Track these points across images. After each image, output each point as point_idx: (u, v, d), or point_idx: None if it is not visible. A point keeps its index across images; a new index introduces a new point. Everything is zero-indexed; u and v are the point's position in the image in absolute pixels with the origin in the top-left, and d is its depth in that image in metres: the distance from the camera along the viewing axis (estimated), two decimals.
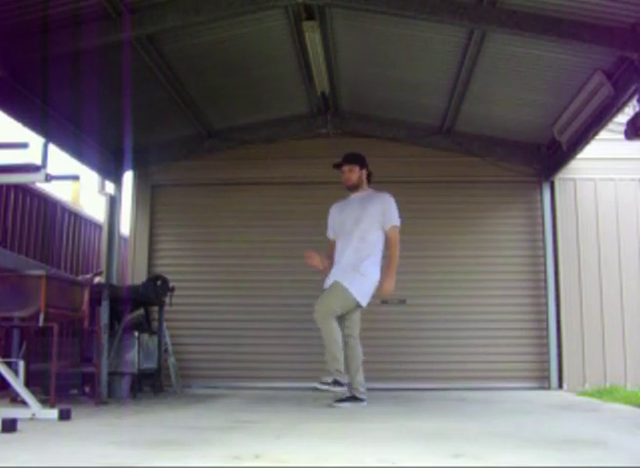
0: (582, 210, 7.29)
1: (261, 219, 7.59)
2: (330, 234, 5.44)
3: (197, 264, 7.64)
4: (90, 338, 5.61)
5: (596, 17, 4.63)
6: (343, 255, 5.13)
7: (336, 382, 4.89)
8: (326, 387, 4.89)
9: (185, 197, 7.79)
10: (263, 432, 3.43)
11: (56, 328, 4.22)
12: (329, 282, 5.10)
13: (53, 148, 5.85)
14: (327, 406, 4.93)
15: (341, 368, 4.92)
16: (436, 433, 3.40)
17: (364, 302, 5.04)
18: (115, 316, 5.80)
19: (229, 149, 7.73)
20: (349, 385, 5.00)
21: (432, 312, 7.25)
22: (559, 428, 3.72)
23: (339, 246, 5.25)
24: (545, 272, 7.27)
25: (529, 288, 7.35)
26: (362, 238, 5.12)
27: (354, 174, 5.31)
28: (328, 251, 5.39)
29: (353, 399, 4.99)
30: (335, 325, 4.96)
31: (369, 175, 5.42)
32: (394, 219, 5.17)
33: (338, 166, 5.37)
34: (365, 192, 5.35)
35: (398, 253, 5.10)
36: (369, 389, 5.33)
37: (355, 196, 5.35)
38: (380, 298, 5.22)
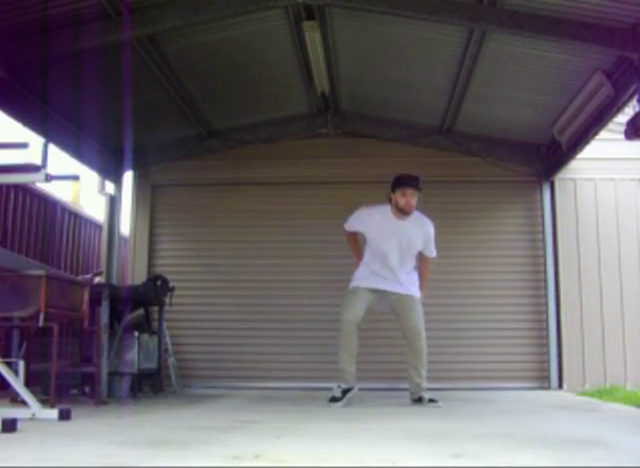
0: (582, 210, 7.29)
1: (261, 219, 7.59)
2: (354, 228, 5.24)
3: (197, 264, 7.64)
4: (90, 338, 5.61)
5: (596, 17, 4.63)
6: (397, 274, 5.14)
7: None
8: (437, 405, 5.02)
9: (185, 197, 7.79)
10: (263, 432, 3.43)
11: (56, 328, 4.22)
12: (380, 284, 5.14)
13: (53, 148, 5.86)
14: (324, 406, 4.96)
15: None
16: (436, 433, 3.40)
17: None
18: (115, 316, 5.80)
19: (229, 149, 7.73)
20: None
21: (432, 312, 7.19)
22: (559, 428, 3.72)
23: (384, 261, 5.11)
24: (545, 272, 7.27)
25: (529, 288, 7.35)
26: (411, 261, 5.24)
27: (415, 199, 5.05)
28: (354, 244, 5.40)
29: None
30: None
31: None
32: (434, 250, 5.31)
33: (413, 185, 5.05)
34: (407, 219, 5.15)
35: None
36: (369, 389, 5.34)
37: (403, 219, 5.11)
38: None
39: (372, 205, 5.25)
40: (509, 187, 7.56)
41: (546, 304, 7.22)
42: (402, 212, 5.06)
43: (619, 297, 7.10)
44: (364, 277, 5.19)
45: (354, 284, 5.22)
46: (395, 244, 5.09)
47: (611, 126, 6.02)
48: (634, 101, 5.07)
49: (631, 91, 5.04)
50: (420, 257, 5.34)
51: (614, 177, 7.32)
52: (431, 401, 5.03)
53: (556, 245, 7.26)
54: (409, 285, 5.21)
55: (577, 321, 7.10)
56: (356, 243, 5.45)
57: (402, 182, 5.05)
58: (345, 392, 5.01)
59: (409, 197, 5.01)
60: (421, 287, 5.33)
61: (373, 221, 5.13)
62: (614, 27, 4.66)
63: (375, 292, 5.18)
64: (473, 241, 7.45)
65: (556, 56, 5.35)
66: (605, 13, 4.58)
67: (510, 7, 4.75)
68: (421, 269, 5.36)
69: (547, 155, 7.35)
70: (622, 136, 5.15)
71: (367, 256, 5.27)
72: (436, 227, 7.04)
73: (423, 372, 5.16)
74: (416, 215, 5.15)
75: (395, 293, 5.15)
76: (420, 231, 5.15)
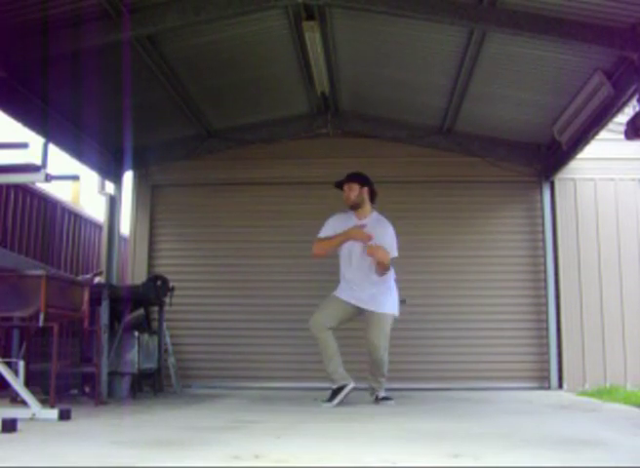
0: (582, 210, 7.29)
1: (261, 219, 7.59)
2: (326, 234, 5.30)
3: (197, 264, 7.64)
4: (90, 338, 5.61)
5: (596, 17, 4.63)
6: (363, 282, 5.18)
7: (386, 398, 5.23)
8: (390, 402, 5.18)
9: (185, 197, 7.79)
10: (263, 432, 3.44)
11: (56, 328, 4.22)
12: (355, 301, 5.18)
13: (53, 148, 5.85)
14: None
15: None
16: (436, 433, 3.40)
17: (398, 311, 5.33)
18: (115, 316, 5.80)
19: (229, 149, 7.73)
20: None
21: (432, 312, 7.25)
22: (559, 428, 3.72)
23: (350, 269, 5.24)
24: (545, 272, 7.27)
25: (529, 288, 7.35)
26: (372, 269, 5.19)
27: (353, 192, 5.27)
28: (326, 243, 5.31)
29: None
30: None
31: (372, 195, 5.36)
32: (394, 252, 5.26)
33: (338, 185, 5.38)
34: (368, 218, 5.29)
35: (382, 272, 5.17)
36: (369, 389, 5.34)
37: (359, 222, 5.27)
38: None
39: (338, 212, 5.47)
40: (509, 187, 7.56)
41: (546, 304, 7.21)
42: (349, 207, 5.34)
43: (619, 297, 7.10)
44: (343, 289, 5.28)
45: (334, 293, 5.32)
46: (361, 249, 5.18)
47: (611, 126, 6.02)
48: (634, 101, 5.07)
49: (631, 91, 5.04)
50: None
51: (614, 177, 7.32)
52: (385, 399, 5.20)
53: (556, 245, 7.26)
54: (380, 300, 5.20)
55: (577, 321, 7.10)
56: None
57: (338, 184, 5.40)
58: (336, 392, 5.03)
59: (346, 191, 5.32)
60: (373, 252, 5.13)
61: (339, 224, 5.31)
62: (614, 27, 4.66)
63: (352, 306, 5.24)
64: (473, 241, 7.45)
65: (556, 56, 5.35)
66: (605, 13, 4.57)
67: (510, 7, 4.75)
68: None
69: (547, 155, 7.35)
70: (622, 136, 5.15)
71: (341, 267, 5.37)
72: (436, 227, 7.06)
73: (381, 380, 5.28)
74: (374, 216, 5.36)
75: (367, 310, 5.21)
76: (381, 229, 5.27)
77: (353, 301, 5.21)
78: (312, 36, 5.47)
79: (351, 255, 5.24)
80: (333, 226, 5.31)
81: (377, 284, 5.20)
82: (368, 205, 5.34)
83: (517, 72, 5.84)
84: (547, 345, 7.15)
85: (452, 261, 7.38)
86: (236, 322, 7.42)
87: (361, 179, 5.33)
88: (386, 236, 5.23)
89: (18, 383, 3.83)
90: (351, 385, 5.05)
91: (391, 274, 5.30)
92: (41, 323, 4.09)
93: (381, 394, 5.24)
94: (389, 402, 5.16)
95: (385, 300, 5.22)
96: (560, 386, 7.02)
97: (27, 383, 4.30)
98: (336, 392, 5.03)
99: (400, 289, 5.47)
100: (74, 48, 5.05)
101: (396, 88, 6.78)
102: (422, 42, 5.71)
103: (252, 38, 5.74)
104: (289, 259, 7.49)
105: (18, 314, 4.19)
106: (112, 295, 5.42)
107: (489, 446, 2.90)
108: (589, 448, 2.80)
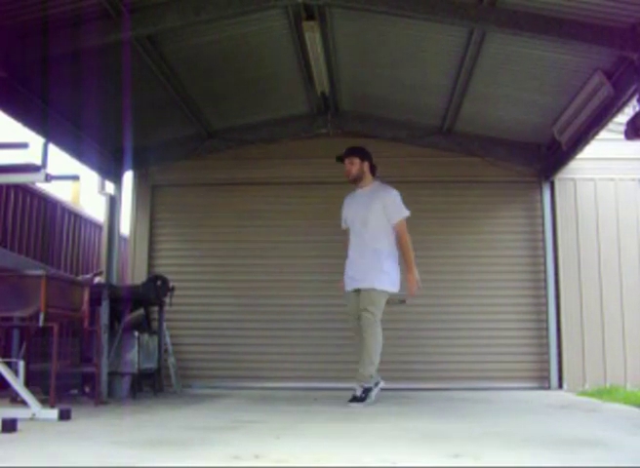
0: (582, 210, 7.29)
1: (261, 219, 7.60)
2: (343, 225, 5.55)
3: (197, 264, 7.64)
4: (90, 338, 5.61)
5: (596, 17, 4.63)
6: (360, 257, 5.22)
7: (367, 390, 4.99)
8: (361, 404, 4.90)
9: (185, 197, 7.79)
10: (263, 432, 3.43)
11: (56, 328, 4.22)
12: (353, 284, 5.21)
13: (53, 148, 5.85)
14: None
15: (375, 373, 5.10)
16: (436, 433, 3.40)
17: (396, 289, 5.21)
18: (115, 316, 5.80)
19: (229, 149, 7.73)
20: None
21: (432, 312, 7.26)
22: (559, 428, 3.72)
23: (352, 243, 5.37)
24: (545, 272, 7.27)
25: (529, 288, 7.35)
26: (373, 238, 5.22)
27: (354, 166, 5.37)
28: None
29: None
30: (380, 330, 5.07)
31: (372, 168, 5.45)
32: (397, 214, 5.25)
33: (340, 159, 5.44)
34: (369, 187, 5.39)
35: (410, 247, 5.21)
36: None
37: (360, 191, 5.41)
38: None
39: None
40: (509, 187, 7.56)
41: (546, 304, 7.22)
42: (349, 182, 5.44)
43: (619, 297, 7.10)
44: (345, 278, 5.35)
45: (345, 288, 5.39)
46: (356, 213, 5.33)
47: (611, 126, 6.02)
48: (634, 101, 5.07)
49: (631, 91, 5.04)
50: (395, 233, 5.26)
51: (614, 177, 7.32)
52: (355, 399, 4.95)
53: (556, 245, 7.26)
54: (370, 276, 5.09)
55: (577, 321, 7.10)
56: None
57: (340, 158, 5.45)
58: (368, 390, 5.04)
59: (347, 165, 5.39)
60: (408, 265, 5.16)
61: (347, 209, 5.48)
62: (614, 27, 4.66)
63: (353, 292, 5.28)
64: (473, 241, 7.45)
65: (556, 56, 5.35)
66: (605, 13, 4.58)
67: (510, 7, 4.75)
68: (399, 243, 5.23)
69: (547, 155, 7.35)
70: (622, 136, 5.15)
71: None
72: (436, 227, 7.06)
73: (367, 367, 4.99)
74: (375, 185, 5.41)
75: (358, 288, 5.20)
76: (377, 197, 5.30)
77: (350, 288, 5.26)
78: (312, 36, 5.47)
79: (353, 229, 5.36)
80: (344, 209, 5.50)
81: (370, 258, 5.15)
82: (369, 177, 5.41)
83: (517, 72, 5.84)
84: (547, 345, 7.15)
85: (451, 261, 7.38)
86: (236, 322, 7.42)
87: (361, 154, 5.41)
88: (376, 202, 5.25)
89: (18, 383, 3.83)
90: (381, 383, 5.18)
91: (391, 255, 5.21)
92: (41, 323, 4.09)
93: (358, 391, 4.98)
94: (355, 405, 4.85)
95: (376, 277, 5.09)
96: (560, 386, 7.02)
97: (27, 383, 4.29)
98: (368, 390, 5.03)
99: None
100: (74, 48, 5.05)
101: (396, 88, 6.78)
102: (423, 42, 5.72)
103: (252, 38, 5.74)
104: (289, 259, 7.49)
105: (18, 314, 4.19)
106: (112, 295, 5.43)
107: (489, 446, 2.90)
108: (589, 448, 2.80)
